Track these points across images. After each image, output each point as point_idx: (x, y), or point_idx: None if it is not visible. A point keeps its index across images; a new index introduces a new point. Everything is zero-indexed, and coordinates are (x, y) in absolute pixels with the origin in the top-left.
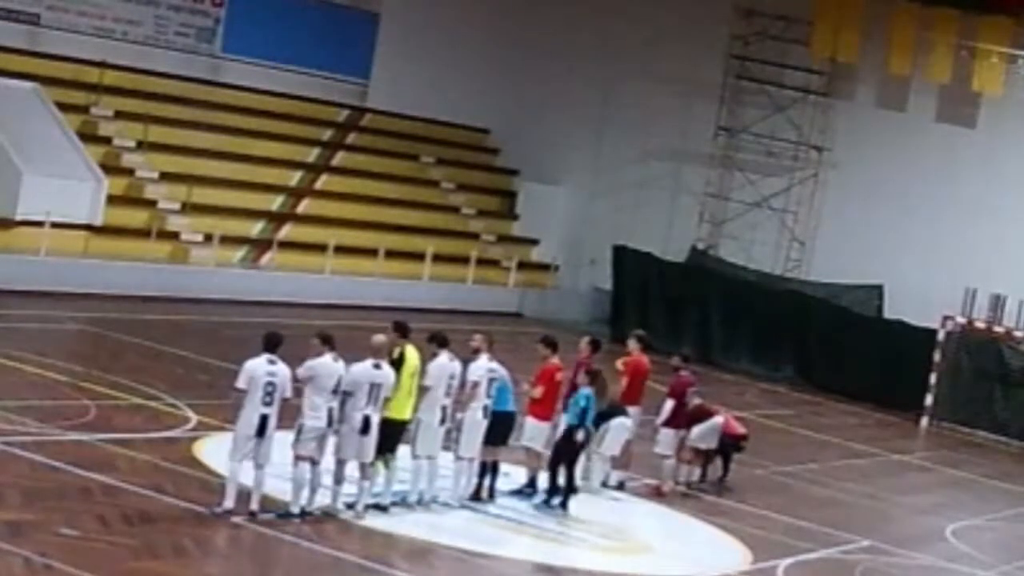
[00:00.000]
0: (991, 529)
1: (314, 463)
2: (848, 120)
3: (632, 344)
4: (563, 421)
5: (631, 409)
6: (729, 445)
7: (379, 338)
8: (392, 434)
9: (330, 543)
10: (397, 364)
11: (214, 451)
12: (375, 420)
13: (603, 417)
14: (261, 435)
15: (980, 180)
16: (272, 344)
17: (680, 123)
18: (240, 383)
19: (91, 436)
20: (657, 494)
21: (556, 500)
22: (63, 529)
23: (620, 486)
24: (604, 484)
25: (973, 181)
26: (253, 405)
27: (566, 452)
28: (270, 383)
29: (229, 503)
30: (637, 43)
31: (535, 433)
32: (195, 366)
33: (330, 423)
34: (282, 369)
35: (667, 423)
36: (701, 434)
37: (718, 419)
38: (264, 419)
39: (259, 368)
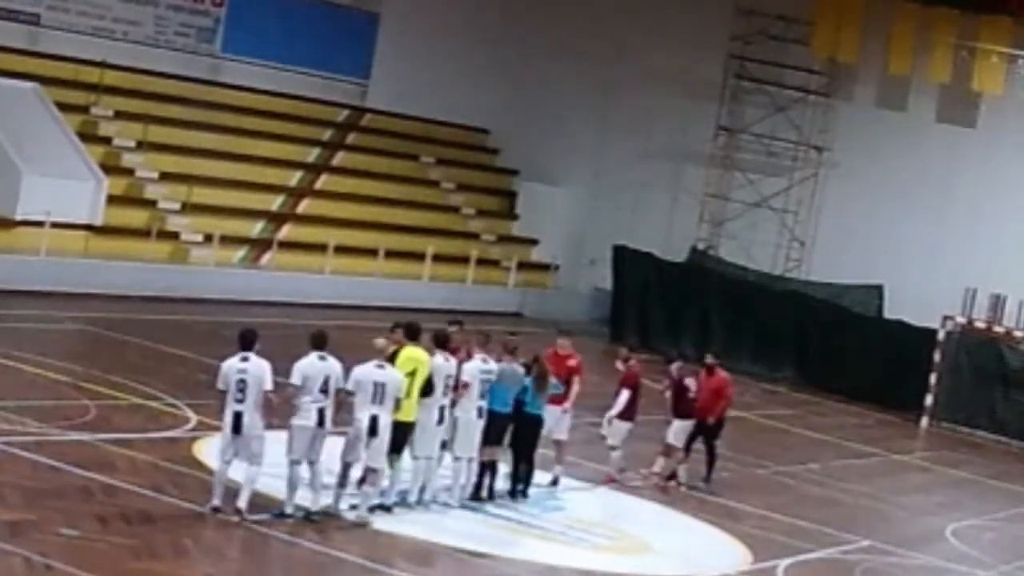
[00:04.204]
0: (991, 529)
1: (311, 463)
2: (848, 120)
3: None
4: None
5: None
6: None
7: (379, 341)
8: (398, 435)
9: (331, 543)
10: (390, 362)
11: (214, 451)
12: (385, 421)
13: None
14: (237, 432)
15: (980, 180)
16: (246, 342)
17: (680, 123)
18: (219, 384)
19: (91, 436)
20: (609, 481)
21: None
22: (63, 529)
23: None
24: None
25: (973, 181)
26: (228, 404)
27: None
28: (240, 380)
29: (216, 501)
30: (637, 43)
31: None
32: (195, 366)
33: (321, 423)
34: (254, 365)
35: (621, 415)
36: (675, 433)
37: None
38: (237, 416)
39: (231, 367)
